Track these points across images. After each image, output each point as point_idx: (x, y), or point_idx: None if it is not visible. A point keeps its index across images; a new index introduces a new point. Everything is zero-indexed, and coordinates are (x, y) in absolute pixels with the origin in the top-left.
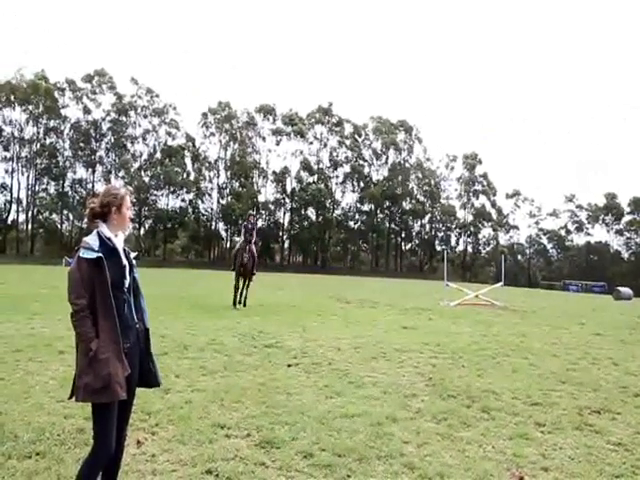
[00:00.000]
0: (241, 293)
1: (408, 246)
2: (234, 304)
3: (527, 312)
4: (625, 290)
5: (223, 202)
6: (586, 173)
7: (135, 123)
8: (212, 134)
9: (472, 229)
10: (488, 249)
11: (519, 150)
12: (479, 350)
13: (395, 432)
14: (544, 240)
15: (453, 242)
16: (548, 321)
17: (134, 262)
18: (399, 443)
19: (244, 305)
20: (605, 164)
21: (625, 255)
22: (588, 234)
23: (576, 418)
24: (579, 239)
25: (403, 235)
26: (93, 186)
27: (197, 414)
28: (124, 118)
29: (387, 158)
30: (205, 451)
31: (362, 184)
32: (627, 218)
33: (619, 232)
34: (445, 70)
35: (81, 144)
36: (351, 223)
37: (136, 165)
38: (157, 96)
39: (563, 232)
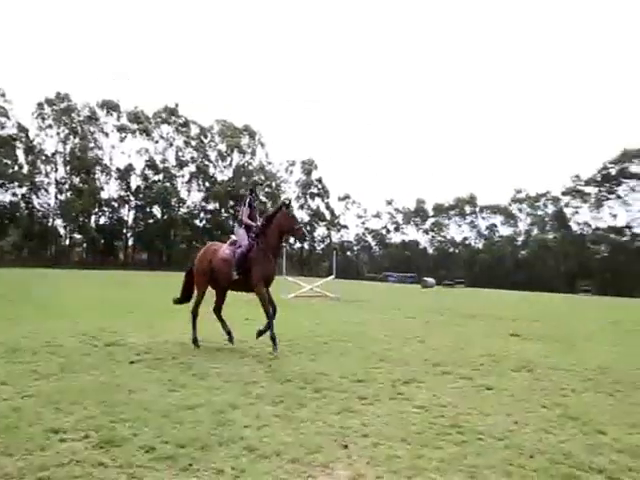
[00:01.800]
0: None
1: None
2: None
3: (355, 301)
4: (430, 280)
5: (62, 198)
6: (402, 180)
7: None
8: (49, 126)
9: (309, 228)
10: (322, 246)
11: (350, 158)
12: (313, 337)
13: (236, 418)
14: (369, 238)
15: (292, 239)
16: (372, 308)
17: None
18: (240, 428)
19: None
20: (416, 173)
21: (430, 251)
22: (403, 233)
23: (391, 390)
24: (396, 237)
25: None
26: None
27: (27, 421)
28: None
29: (232, 160)
30: (35, 460)
31: (207, 184)
32: (431, 220)
33: (425, 231)
34: (286, 81)
35: None
36: (197, 221)
37: None
38: None
39: (384, 231)
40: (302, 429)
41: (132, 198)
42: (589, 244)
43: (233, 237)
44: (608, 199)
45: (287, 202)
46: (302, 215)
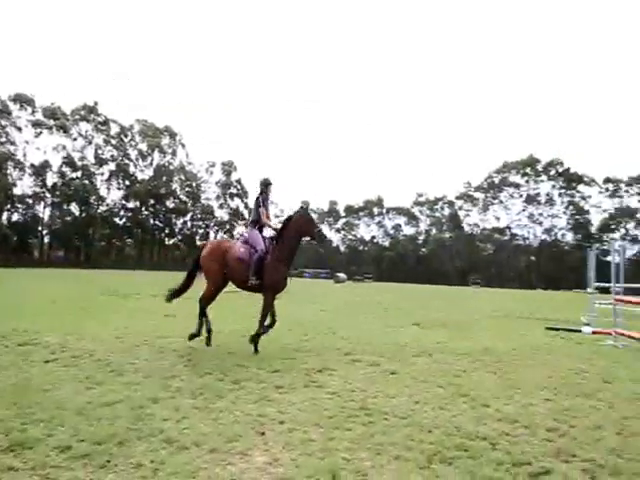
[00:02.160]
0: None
1: (172, 241)
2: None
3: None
4: (341, 275)
5: None
6: (316, 182)
7: None
8: None
9: (228, 227)
10: None
11: (270, 159)
12: (232, 331)
13: (156, 412)
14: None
15: (212, 237)
16: (289, 302)
17: None
18: (159, 421)
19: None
20: (329, 176)
21: (342, 248)
22: None
23: (305, 378)
24: None
25: (167, 231)
26: None
27: None
28: None
29: (152, 159)
30: None
31: (128, 182)
32: (343, 220)
33: (338, 230)
34: (205, 84)
35: None
36: (116, 219)
37: None
38: None
39: None
40: (221, 419)
41: (48, 195)
42: (478, 242)
43: (244, 234)
44: (493, 203)
45: (305, 205)
46: (222, 214)
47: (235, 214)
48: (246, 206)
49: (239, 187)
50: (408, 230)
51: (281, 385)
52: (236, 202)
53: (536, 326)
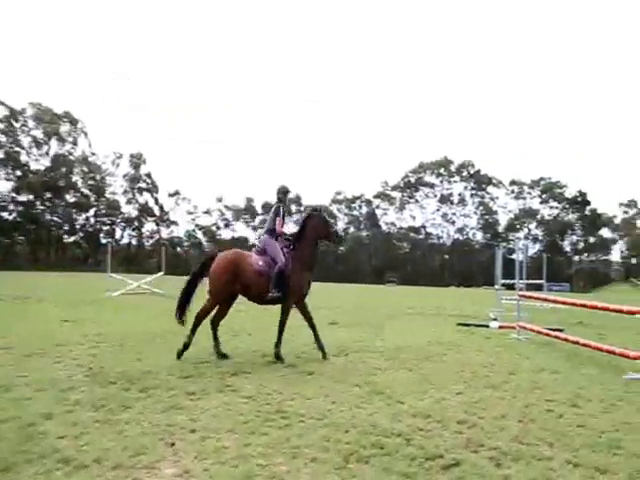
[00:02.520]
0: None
1: (72, 239)
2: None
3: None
4: None
5: None
6: (232, 178)
7: None
8: None
9: (136, 223)
10: (151, 242)
11: (181, 153)
12: (140, 335)
13: (49, 429)
14: (199, 234)
15: (118, 235)
16: (200, 304)
17: None
18: (54, 439)
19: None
20: (246, 172)
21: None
22: (233, 230)
23: (219, 383)
24: (227, 234)
25: (66, 228)
26: None
27: None
28: None
29: (49, 148)
30: None
31: (19, 172)
32: (260, 218)
33: (254, 228)
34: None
35: None
36: (5, 214)
37: None
38: None
39: (214, 228)
40: (126, 432)
41: None
42: (394, 241)
43: (258, 244)
44: (409, 203)
45: (319, 208)
46: (129, 210)
47: (144, 210)
48: (156, 201)
49: (149, 181)
50: None
51: (193, 391)
52: (145, 197)
53: (448, 322)
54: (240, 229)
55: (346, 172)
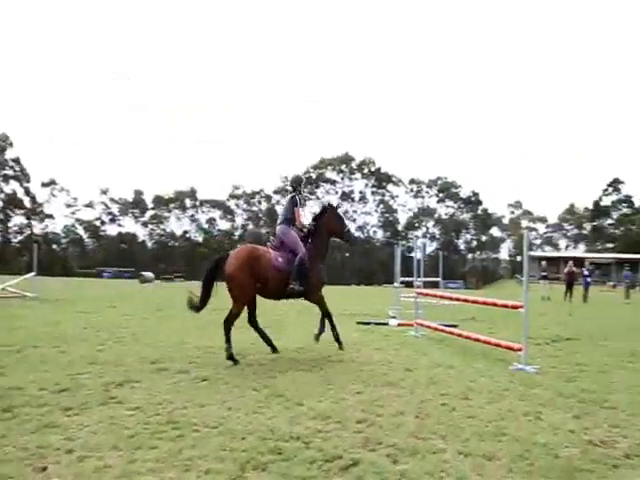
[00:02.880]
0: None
1: None
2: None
3: (60, 300)
4: (148, 274)
5: None
6: (118, 170)
7: None
8: None
9: (2, 216)
10: (21, 238)
11: (56, 138)
12: (3, 347)
13: None
14: (80, 230)
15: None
16: (81, 308)
17: None
18: None
19: (339, 346)
20: (134, 163)
21: (149, 244)
22: (120, 225)
23: (102, 395)
24: (112, 229)
25: None
26: None
27: None
28: None
29: None
30: None
31: None
32: (151, 212)
33: (144, 224)
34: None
35: None
36: None
37: None
38: None
39: (98, 222)
40: None
41: None
42: None
43: (273, 239)
44: (310, 199)
45: (335, 204)
46: None
47: (11, 201)
48: (27, 191)
49: (17, 168)
50: (224, 225)
51: (70, 406)
52: (12, 186)
53: (349, 321)
54: (128, 225)
55: (244, 166)
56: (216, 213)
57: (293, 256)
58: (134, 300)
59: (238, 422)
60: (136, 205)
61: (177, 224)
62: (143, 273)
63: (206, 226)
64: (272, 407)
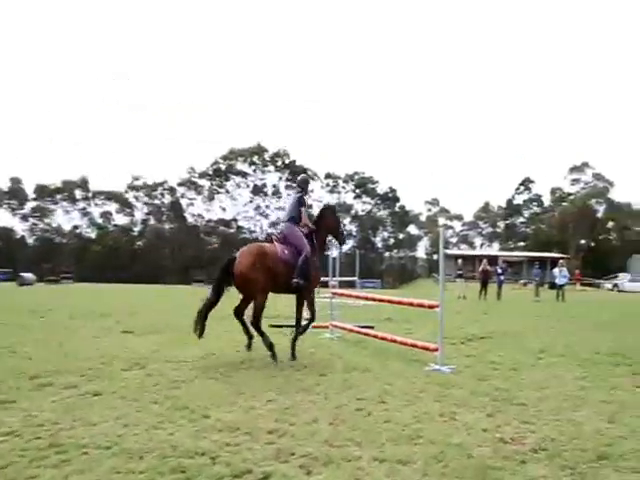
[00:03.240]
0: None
1: None
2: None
3: None
4: (27, 275)
5: None
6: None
7: None
8: None
9: None
10: None
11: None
12: None
13: None
14: None
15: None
16: None
17: None
18: None
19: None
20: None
21: (31, 241)
22: None
23: None
24: None
25: None
26: None
27: None
28: None
29: None
30: None
31: None
32: (32, 204)
33: (24, 217)
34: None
35: None
36: None
37: None
38: None
39: None
40: None
41: None
42: (202, 235)
43: (277, 232)
44: (219, 192)
45: (333, 206)
46: None
47: None
48: None
49: None
50: (121, 219)
51: None
52: None
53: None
54: (5, 218)
55: (146, 155)
56: (112, 206)
57: (296, 250)
58: (9, 306)
59: (135, 440)
60: (13, 195)
61: (65, 218)
62: (22, 274)
63: (100, 221)
64: (175, 421)
